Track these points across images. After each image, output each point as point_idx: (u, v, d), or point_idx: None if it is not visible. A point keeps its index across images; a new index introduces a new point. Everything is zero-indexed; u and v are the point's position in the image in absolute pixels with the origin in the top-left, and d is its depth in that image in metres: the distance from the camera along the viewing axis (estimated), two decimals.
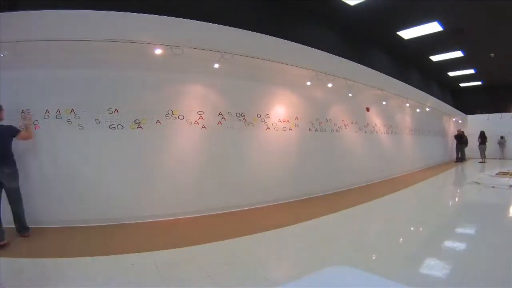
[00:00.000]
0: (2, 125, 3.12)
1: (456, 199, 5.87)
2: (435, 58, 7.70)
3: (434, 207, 4.98)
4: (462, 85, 11.94)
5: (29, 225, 3.21)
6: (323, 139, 5.71)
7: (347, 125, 6.35)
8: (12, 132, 3.14)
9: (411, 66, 7.94)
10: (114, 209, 3.64)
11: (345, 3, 4.42)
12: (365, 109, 7.04)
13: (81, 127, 3.57)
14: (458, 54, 7.36)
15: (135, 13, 2.93)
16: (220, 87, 4.34)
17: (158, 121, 3.87)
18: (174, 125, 3.97)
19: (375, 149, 7.18)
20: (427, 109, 10.01)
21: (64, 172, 3.56)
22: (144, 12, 2.95)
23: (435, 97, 9.30)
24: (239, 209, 4.33)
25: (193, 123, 4.10)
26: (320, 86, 5.38)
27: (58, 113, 3.53)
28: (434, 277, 2.27)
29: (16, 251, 2.69)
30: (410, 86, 7.20)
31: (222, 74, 4.22)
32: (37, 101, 3.51)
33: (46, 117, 3.51)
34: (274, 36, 3.77)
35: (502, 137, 12.67)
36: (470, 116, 13.71)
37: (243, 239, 3.12)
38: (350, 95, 6.12)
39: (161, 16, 3.01)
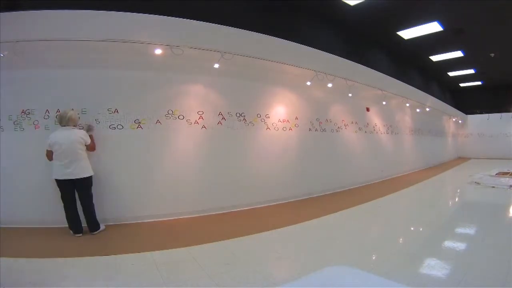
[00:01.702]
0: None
1: (456, 199, 5.87)
2: (435, 58, 7.70)
3: (434, 207, 4.98)
4: (462, 85, 11.94)
5: (28, 225, 3.22)
6: (323, 139, 5.71)
7: (347, 125, 6.35)
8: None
9: (411, 66, 7.94)
10: (114, 209, 3.64)
11: (345, 3, 4.42)
12: (365, 109, 7.05)
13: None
14: (458, 54, 7.36)
15: (135, 13, 2.93)
16: (220, 87, 4.34)
17: (158, 121, 3.87)
18: (174, 125, 3.97)
19: (375, 149, 7.19)
20: (427, 109, 10.01)
21: None
22: (144, 12, 2.95)
23: (435, 97, 9.30)
24: (239, 209, 4.33)
25: (193, 123, 4.10)
26: (320, 86, 5.38)
27: (58, 113, 3.52)
28: (434, 277, 2.27)
29: (15, 251, 2.68)
30: (410, 86, 7.20)
31: (222, 74, 4.22)
32: (37, 101, 3.51)
33: (46, 117, 3.51)
34: (274, 36, 3.77)
35: None
36: (470, 116, 13.72)
37: (243, 239, 3.12)
38: (350, 95, 6.12)
39: (161, 16, 3.02)
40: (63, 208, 3.20)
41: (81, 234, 3.17)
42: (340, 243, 3.15)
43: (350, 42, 5.53)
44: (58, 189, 3.17)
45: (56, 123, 3.39)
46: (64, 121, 3.20)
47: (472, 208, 4.92)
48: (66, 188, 3.14)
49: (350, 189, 6.00)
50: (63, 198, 3.18)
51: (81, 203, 3.25)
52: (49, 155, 3.18)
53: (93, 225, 3.27)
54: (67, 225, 3.22)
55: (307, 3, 4.37)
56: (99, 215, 3.43)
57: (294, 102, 5.25)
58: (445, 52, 7.30)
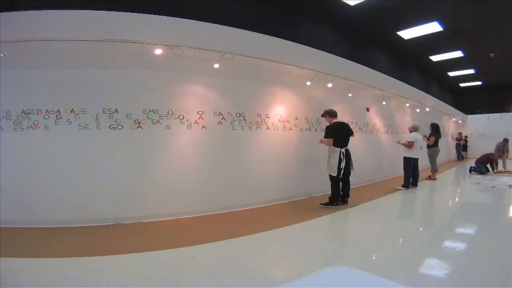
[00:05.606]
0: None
1: (456, 199, 5.87)
2: (435, 58, 7.71)
3: (434, 207, 4.99)
4: (462, 85, 11.95)
5: (31, 226, 3.23)
6: None
7: None
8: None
9: (411, 66, 7.95)
10: (114, 209, 3.64)
11: (345, 3, 4.42)
12: (365, 109, 7.04)
13: (81, 127, 3.57)
14: (458, 54, 7.37)
15: (135, 13, 2.93)
16: (220, 87, 4.34)
17: (158, 121, 3.87)
18: (174, 125, 3.96)
19: (375, 149, 7.18)
20: (427, 109, 10.00)
21: (64, 172, 3.56)
22: (144, 12, 2.95)
23: (435, 97, 9.30)
24: (239, 209, 4.33)
25: (193, 123, 4.09)
26: (320, 86, 5.37)
27: (58, 113, 3.53)
28: (434, 277, 2.27)
29: (16, 251, 2.68)
30: (410, 86, 7.20)
31: (222, 74, 4.22)
32: (37, 101, 3.51)
33: (46, 117, 3.51)
34: (274, 36, 3.77)
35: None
36: (470, 116, 13.72)
37: (243, 239, 3.12)
38: (350, 95, 6.12)
39: (161, 16, 3.02)
40: (407, 176, 6.00)
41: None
42: (340, 243, 3.15)
43: (350, 42, 5.53)
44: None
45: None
46: (418, 129, 6.35)
47: (472, 208, 4.91)
48: (411, 163, 6.01)
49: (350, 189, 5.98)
50: (409, 168, 5.99)
51: (415, 173, 6.15)
52: (412, 145, 5.98)
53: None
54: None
55: (307, 3, 4.37)
56: (101, 215, 3.42)
57: (294, 102, 5.24)
58: (445, 52, 7.31)
